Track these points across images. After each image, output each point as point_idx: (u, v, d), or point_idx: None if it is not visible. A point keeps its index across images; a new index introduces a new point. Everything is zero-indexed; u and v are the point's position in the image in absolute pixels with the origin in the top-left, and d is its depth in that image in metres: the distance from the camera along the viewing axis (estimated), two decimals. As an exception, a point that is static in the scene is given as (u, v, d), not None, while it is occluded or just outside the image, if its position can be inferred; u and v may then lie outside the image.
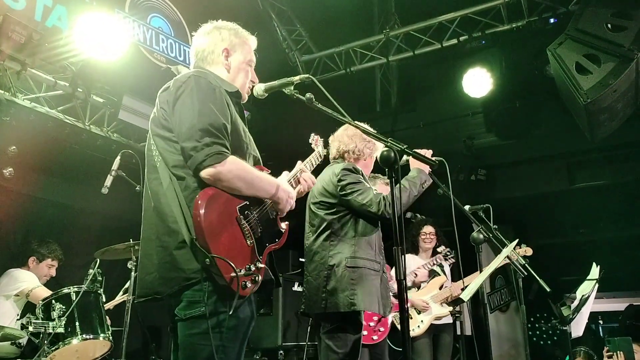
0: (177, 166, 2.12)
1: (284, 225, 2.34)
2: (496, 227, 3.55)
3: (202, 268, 1.98)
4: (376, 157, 3.32)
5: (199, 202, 1.98)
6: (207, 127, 2.05)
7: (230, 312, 1.98)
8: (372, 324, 3.93)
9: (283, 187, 2.28)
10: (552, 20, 6.46)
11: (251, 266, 2.03)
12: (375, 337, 3.92)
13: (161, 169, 2.18)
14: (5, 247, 5.48)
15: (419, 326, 5.11)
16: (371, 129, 2.66)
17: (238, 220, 2.08)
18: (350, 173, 3.28)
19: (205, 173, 2.01)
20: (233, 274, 1.95)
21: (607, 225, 7.46)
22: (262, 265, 2.10)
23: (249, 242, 2.09)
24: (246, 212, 2.13)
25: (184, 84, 2.21)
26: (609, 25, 5.21)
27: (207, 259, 1.94)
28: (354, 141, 3.49)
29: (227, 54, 2.45)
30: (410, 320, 5.33)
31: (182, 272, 2.04)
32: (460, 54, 7.38)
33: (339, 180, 3.26)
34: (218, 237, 1.98)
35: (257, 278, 2.05)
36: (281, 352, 6.60)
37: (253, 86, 2.51)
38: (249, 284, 2.01)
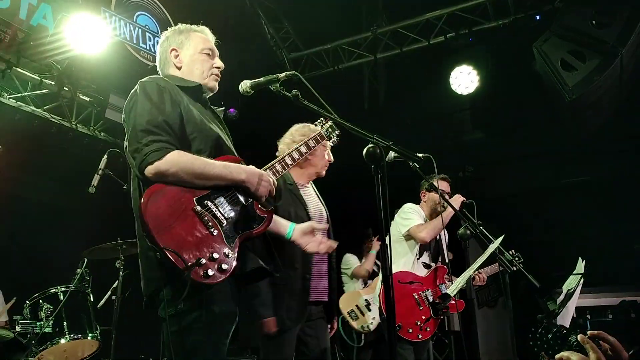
0: None
1: (265, 211, 2.28)
2: (480, 222, 3.57)
3: (159, 264, 1.99)
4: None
5: (143, 199, 1.99)
6: (146, 127, 2.10)
7: (183, 297, 1.96)
8: (419, 322, 3.99)
9: (253, 172, 2.23)
10: (537, 17, 6.51)
11: (214, 254, 2.01)
12: (420, 336, 3.99)
13: (134, 175, 2.22)
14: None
15: (372, 322, 5.36)
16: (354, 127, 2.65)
17: (195, 211, 2.06)
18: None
19: (147, 172, 2.04)
20: (190, 264, 1.93)
21: (594, 221, 7.53)
22: (232, 252, 2.07)
23: (213, 232, 2.06)
24: (206, 201, 2.11)
25: (134, 93, 2.27)
26: (593, 22, 5.26)
27: (158, 253, 1.95)
28: (288, 147, 3.31)
29: (175, 52, 2.50)
30: (362, 317, 5.47)
31: (157, 272, 2.06)
32: (448, 51, 7.41)
33: None
34: (167, 230, 1.97)
35: (222, 266, 2.01)
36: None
37: (219, 73, 2.54)
38: (211, 272, 1.97)
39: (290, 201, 3.26)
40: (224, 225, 2.11)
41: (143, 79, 2.30)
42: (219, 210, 2.13)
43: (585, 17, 5.29)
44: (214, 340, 2.08)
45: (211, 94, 2.55)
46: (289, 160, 2.54)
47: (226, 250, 2.06)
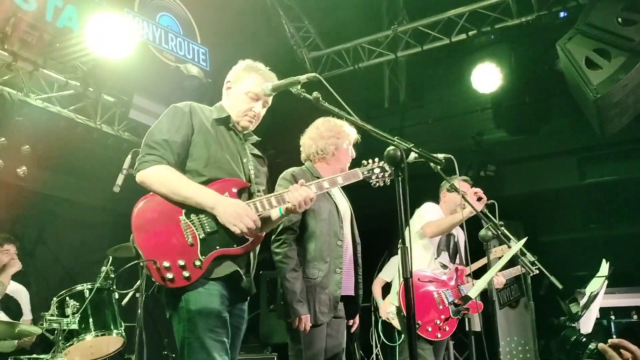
0: None
1: (252, 235, 2.42)
2: (502, 223, 3.54)
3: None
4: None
5: (138, 202, 2.35)
6: (148, 142, 2.44)
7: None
8: (438, 321, 4.00)
9: (226, 204, 2.34)
10: (562, 14, 6.41)
11: (180, 261, 2.25)
12: (439, 335, 4.00)
13: None
14: (20, 244, 5.55)
15: None
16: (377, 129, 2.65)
17: (180, 221, 2.33)
18: (284, 183, 3.23)
19: (136, 178, 2.41)
20: (154, 265, 2.22)
21: (618, 221, 7.41)
22: (199, 264, 2.28)
23: (190, 242, 2.30)
24: (192, 214, 2.36)
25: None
26: (619, 20, 5.17)
27: (134, 249, 2.26)
28: (315, 142, 3.44)
29: (228, 85, 2.76)
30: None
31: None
32: (469, 49, 7.35)
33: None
34: (146, 231, 2.29)
35: (184, 273, 2.25)
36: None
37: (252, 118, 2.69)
38: (170, 275, 2.23)
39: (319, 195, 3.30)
40: (202, 238, 2.33)
41: (175, 103, 2.59)
42: (202, 224, 2.35)
43: (610, 14, 5.19)
44: (197, 335, 2.27)
45: (245, 132, 2.71)
46: (274, 202, 2.48)
47: (196, 260, 2.28)
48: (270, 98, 2.73)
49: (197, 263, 2.28)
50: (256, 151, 2.81)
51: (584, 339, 1.41)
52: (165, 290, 2.35)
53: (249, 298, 2.63)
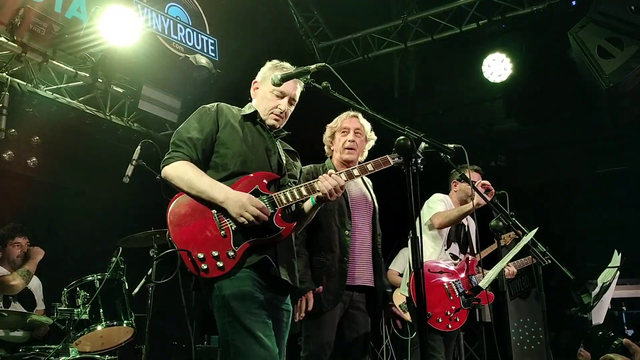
0: None
1: (284, 223, 2.46)
2: (513, 213, 3.50)
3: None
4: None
5: (174, 197, 2.45)
6: (174, 140, 2.58)
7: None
8: (449, 312, 4.00)
9: (236, 198, 2.38)
10: (573, 3, 6.34)
11: (214, 252, 2.32)
12: (450, 326, 3.99)
13: None
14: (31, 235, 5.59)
15: None
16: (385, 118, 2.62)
17: (213, 214, 2.41)
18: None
19: (161, 174, 2.52)
20: (189, 257, 2.30)
21: (630, 212, 7.34)
22: (233, 254, 2.34)
23: (223, 234, 2.37)
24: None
25: None
26: (632, 8, 5.09)
27: (169, 242, 2.34)
28: (324, 137, 3.58)
29: (255, 85, 2.83)
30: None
31: None
32: (480, 38, 7.28)
33: None
34: (181, 226, 2.37)
35: (218, 264, 2.31)
36: (300, 337, 6.65)
37: (278, 115, 2.71)
38: (205, 266, 2.30)
39: None
40: (234, 229, 2.39)
41: (205, 104, 2.71)
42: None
43: (622, 2, 5.12)
44: (237, 317, 2.29)
45: (274, 130, 2.75)
46: (304, 191, 2.52)
47: (229, 251, 2.35)
48: (297, 95, 2.77)
49: (231, 254, 2.34)
50: (289, 147, 2.87)
51: (611, 334, 1.41)
52: (202, 285, 2.41)
53: (289, 292, 2.65)
